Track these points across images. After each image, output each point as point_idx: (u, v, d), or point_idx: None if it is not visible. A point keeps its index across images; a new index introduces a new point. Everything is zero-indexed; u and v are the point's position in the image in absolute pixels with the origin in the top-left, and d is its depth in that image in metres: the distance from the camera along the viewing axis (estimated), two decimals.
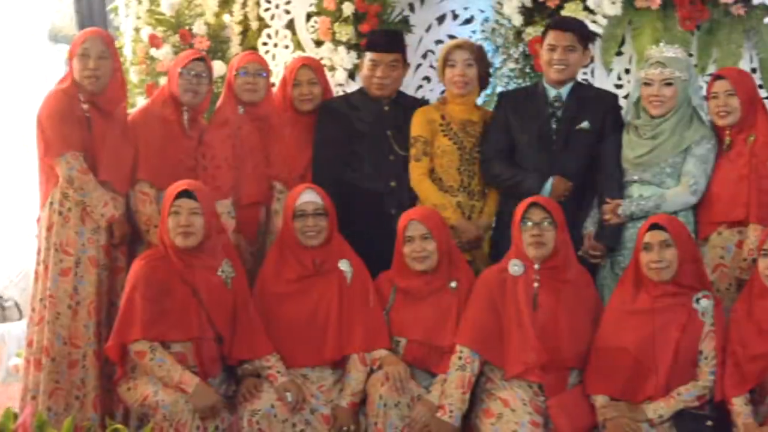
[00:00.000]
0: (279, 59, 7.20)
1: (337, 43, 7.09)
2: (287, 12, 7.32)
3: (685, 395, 5.08)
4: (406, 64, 6.08)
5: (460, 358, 5.25)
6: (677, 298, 5.16)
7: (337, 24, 7.09)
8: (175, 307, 5.24)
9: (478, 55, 5.96)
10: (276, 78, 6.61)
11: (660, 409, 5.07)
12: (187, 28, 7.32)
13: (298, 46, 7.25)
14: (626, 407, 5.11)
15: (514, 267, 5.32)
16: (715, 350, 5.11)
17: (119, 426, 4.92)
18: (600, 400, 5.16)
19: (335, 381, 5.42)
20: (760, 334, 5.05)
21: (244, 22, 7.43)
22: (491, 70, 6.22)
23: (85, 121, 5.63)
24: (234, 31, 7.41)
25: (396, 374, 5.23)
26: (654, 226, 5.19)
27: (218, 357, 5.35)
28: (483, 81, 6.00)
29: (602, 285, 5.62)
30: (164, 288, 5.25)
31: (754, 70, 6.61)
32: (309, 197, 5.50)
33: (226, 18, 7.42)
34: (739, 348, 5.06)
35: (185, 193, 5.31)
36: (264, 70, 6.06)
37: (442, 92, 6.27)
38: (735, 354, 5.06)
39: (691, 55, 6.55)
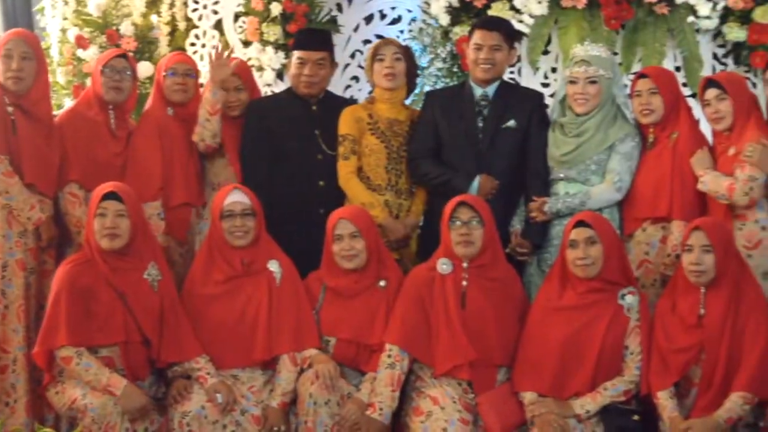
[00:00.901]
0: (207, 60, 7.15)
1: (265, 43, 7.09)
2: (215, 12, 7.31)
3: (612, 390, 5.14)
4: (333, 63, 6.08)
5: (389, 356, 5.26)
6: (603, 295, 5.22)
7: (264, 24, 7.09)
8: (100, 312, 5.20)
9: (407, 52, 5.98)
10: (205, 79, 6.58)
11: (587, 404, 5.12)
12: (114, 28, 7.27)
13: (227, 46, 7.21)
14: (554, 403, 5.15)
15: (443, 266, 5.35)
16: (641, 345, 5.17)
17: (48, 430, 4.87)
18: (528, 396, 5.20)
19: (266, 381, 5.40)
20: (684, 329, 5.11)
21: (172, 22, 7.39)
22: (419, 70, 6.23)
23: (9, 124, 5.56)
24: (162, 32, 7.37)
25: (326, 373, 5.24)
26: (579, 223, 5.24)
27: (146, 360, 5.32)
28: (411, 82, 6.01)
29: (529, 282, 5.67)
30: (89, 292, 5.21)
31: (677, 69, 6.71)
32: (236, 197, 5.48)
33: (153, 18, 7.38)
34: (664, 342, 5.12)
35: (111, 195, 5.27)
36: (192, 70, 6.04)
37: (370, 92, 6.28)
38: (660, 348, 5.13)
39: (615, 53, 6.64)
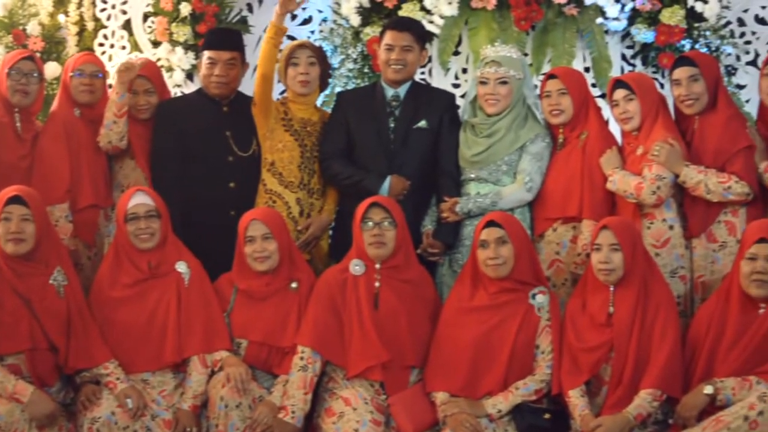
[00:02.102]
0: (116, 60, 7.09)
1: (174, 43, 7.04)
2: (124, 12, 7.24)
3: (523, 389, 5.16)
4: (244, 64, 6.04)
5: (302, 358, 5.24)
6: (514, 294, 5.25)
7: (174, 24, 7.04)
8: (5, 319, 5.11)
9: (320, 55, 5.96)
10: (113, 80, 6.51)
11: (499, 403, 5.14)
12: (20, 28, 7.17)
13: (135, 46, 7.16)
14: (466, 403, 5.16)
15: (355, 267, 5.34)
16: (552, 344, 5.20)
17: None
18: (440, 396, 5.21)
19: (176, 385, 5.36)
20: (594, 327, 5.16)
21: (80, 22, 7.30)
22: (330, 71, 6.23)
23: None
24: (70, 32, 7.28)
25: (237, 375, 5.20)
26: (490, 223, 5.26)
27: (54, 367, 5.24)
28: (323, 82, 6.00)
29: (441, 283, 5.68)
30: None
31: (587, 69, 6.77)
32: (140, 200, 5.42)
33: (61, 18, 7.28)
34: (575, 341, 5.16)
35: (16, 199, 5.18)
36: (100, 71, 5.96)
37: (282, 92, 6.26)
38: (570, 347, 5.16)
39: (526, 54, 6.68)
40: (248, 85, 6.50)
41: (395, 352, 5.25)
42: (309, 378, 5.22)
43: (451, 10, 6.76)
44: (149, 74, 5.98)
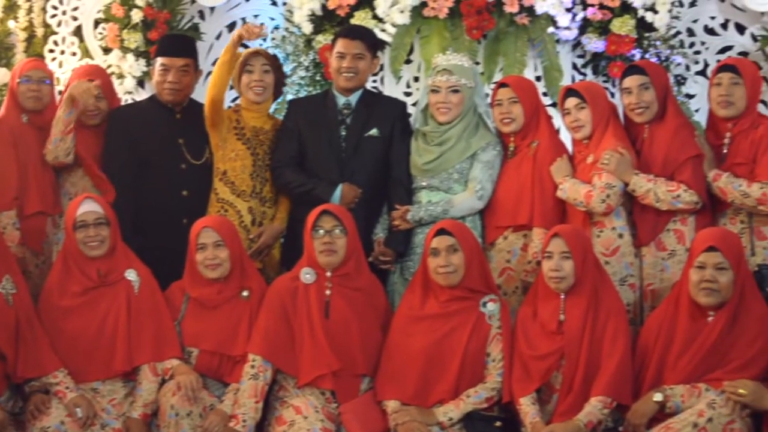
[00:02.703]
0: (66, 67, 7.05)
1: (125, 50, 7.00)
2: (74, 18, 7.20)
3: (474, 397, 5.17)
4: (198, 71, 6.02)
5: (252, 366, 5.22)
6: (464, 303, 5.25)
7: (125, 31, 7.01)
8: None
9: (275, 62, 5.95)
10: (62, 86, 6.48)
11: (450, 411, 5.14)
12: None
13: (86, 53, 7.12)
14: (417, 411, 5.16)
15: (306, 275, 5.33)
16: (503, 352, 5.21)
17: None
18: (391, 405, 5.21)
19: (126, 394, 5.33)
20: (545, 335, 5.17)
21: (30, 28, 7.25)
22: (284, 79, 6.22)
23: None
24: (19, 38, 7.22)
25: (187, 384, 5.17)
26: (441, 231, 5.27)
27: (2, 376, 5.18)
28: (278, 90, 5.99)
29: (392, 291, 5.68)
30: None
31: (538, 78, 6.80)
32: (88, 207, 5.38)
33: (10, 24, 7.22)
34: (525, 349, 5.17)
35: None
36: (47, 77, 5.92)
37: (234, 100, 6.24)
38: (521, 355, 5.18)
39: (477, 63, 6.70)
40: (201, 92, 6.49)
41: (346, 360, 5.24)
42: (260, 386, 5.21)
43: (403, 19, 6.77)
44: (99, 79, 5.95)
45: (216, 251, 5.36)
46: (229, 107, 6.05)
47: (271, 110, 6.13)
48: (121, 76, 6.97)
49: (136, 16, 6.98)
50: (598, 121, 5.54)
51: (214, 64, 7.04)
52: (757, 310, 5.04)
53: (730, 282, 4.99)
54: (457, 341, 5.19)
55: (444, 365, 5.20)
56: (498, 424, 5.17)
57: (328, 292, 5.32)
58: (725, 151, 5.50)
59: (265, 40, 6.63)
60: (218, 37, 7.23)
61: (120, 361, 5.30)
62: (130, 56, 6.98)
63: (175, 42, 6.14)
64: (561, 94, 5.71)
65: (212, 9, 7.23)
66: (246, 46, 6.60)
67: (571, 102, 5.58)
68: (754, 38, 6.96)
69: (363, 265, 5.44)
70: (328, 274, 5.33)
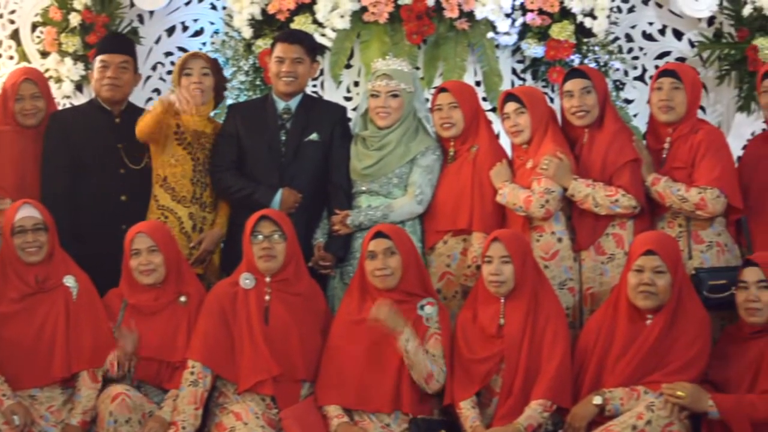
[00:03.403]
0: (3, 70, 6.97)
1: (63, 54, 6.94)
2: (12, 22, 7.12)
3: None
4: (137, 74, 5.99)
5: (192, 373, 5.19)
6: (402, 306, 5.23)
7: (63, 35, 6.95)
8: None
9: (215, 66, 5.93)
10: None
11: (393, 421, 5.15)
12: None
13: (24, 57, 7.04)
14: (356, 413, 5.18)
15: (245, 280, 5.31)
16: (443, 350, 5.21)
17: None
18: (331, 410, 5.20)
19: (65, 400, 5.28)
20: (485, 339, 5.19)
21: None
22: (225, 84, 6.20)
23: None
24: None
25: (126, 390, 5.14)
26: (378, 234, 5.27)
27: None
28: (219, 95, 5.97)
29: (333, 295, 5.67)
30: None
31: (478, 83, 6.82)
32: (27, 212, 5.33)
33: None
34: (465, 353, 5.18)
35: None
36: None
37: None
38: (461, 358, 5.18)
39: (417, 68, 6.71)
40: (139, 97, 6.45)
41: (286, 365, 5.22)
42: (199, 393, 5.18)
43: (343, 24, 6.77)
44: (36, 78, 5.91)
45: (150, 257, 5.32)
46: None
47: (211, 115, 6.11)
48: (59, 80, 6.91)
49: (74, 19, 6.92)
50: (537, 126, 5.56)
51: (153, 68, 7.08)
52: (695, 312, 5.08)
53: (668, 285, 5.03)
54: (395, 344, 5.18)
55: (384, 368, 5.19)
56: (441, 429, 5.17)
57: (267, 297, 5.30)
58: (665, 155, 5.54)
59: (196, 20, 6.60)
60: (157, 41, 7.17)
61: (58, 367, 5.25)
62: (68, 60, 6.92)
63: (115, 39, 6.17)
64: (501, 99, 5.73)
65: (151, 13, 7.18)
66: (184, 50, 6.59)
67: (511, 107, 5.60)
68: (692, 44, 7.03)
69: (302, 270, 5.43)
70: (268, 279, 5.31)
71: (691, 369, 5.01)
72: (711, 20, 6.99)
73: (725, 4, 6.87)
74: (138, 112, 5.92)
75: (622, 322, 5.12)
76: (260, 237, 5.28)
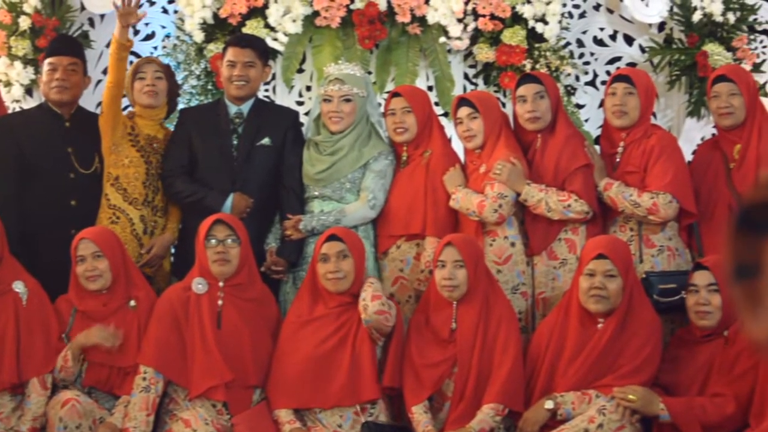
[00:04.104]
0: None
1: (13, 57, 6.87)
2: None
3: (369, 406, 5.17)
4: (86, 76, 5.94)
5: (144, 378, 5.16)
6: (352, 309, 5.24)
7: (13, 38, 6.89)
8: None
9: (168, 71, 5.91)
10: None
11: (345, 422, 5.14)
12: None
13: None
14: (308, 417, 5.17)
15: (198, 285, 5.29)
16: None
17: None
18: (283, 415, 5.18)
19: (14, 407, 5.23)
20: (437, 343, 5.20)
21: None
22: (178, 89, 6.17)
23: None
24: None
25: (77, 395, 5.09)
26: (331, 237, 5.26)
27: None
28: (172, 101, 5.94)
29: (285, 301, 5.64)
30: None
31: (430, 88, 6.83)
32: None
33: None
34: (417, 358, 5.18)
35: None
36: None
37: (125, 108, 6.15)
38: (413, 363, 5.19)
39: (369, 72, 6.71)
40: (90, 101, 6.40)
41: (238, 371, 5.20)
42: (151, 399, 5.15)
43: (295, 28, 6.75)
44: None
45: (95, 262, 5.28)
46: (124, 110, 5.99)
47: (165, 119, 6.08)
48: (8, 84, 6.84)
49: (24, 23, 6.86)
50: (491, 131, 5.57)
51: (104, 72, 7.00)
52: (646, 316, 5.11)
53: (619, 289, 5.06)
54: (345, 340, 5.19)
55: (335, 368, 5.18)
56: None
57: (220, 302, 5.28)
58: (618, 159, 5.57)
59: (147, 24, 6.58)
60: (108, 44, 7.10)
61: (8, 373, 5.20)
62: (18, 64, 6.85)
63: (63, 41, 6.09)
64: (454, 104, 5.74)
65: (102, 16, 7.12)
66: (136, 54, 6.55)
67: (464, 111, 5.61)
68: (642, 49, 7.07)
69: (255, 275, 5.41)
70: (221, 284, 5.29)
71: (642, 372, 5.04)
72: (661, 26, 7.04)
73: (675, 10, 6.92)
74: (88, 115, 5.90)
75: (573, 326, 5.14)
76: (214, 241, 5.26)
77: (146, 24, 7.14)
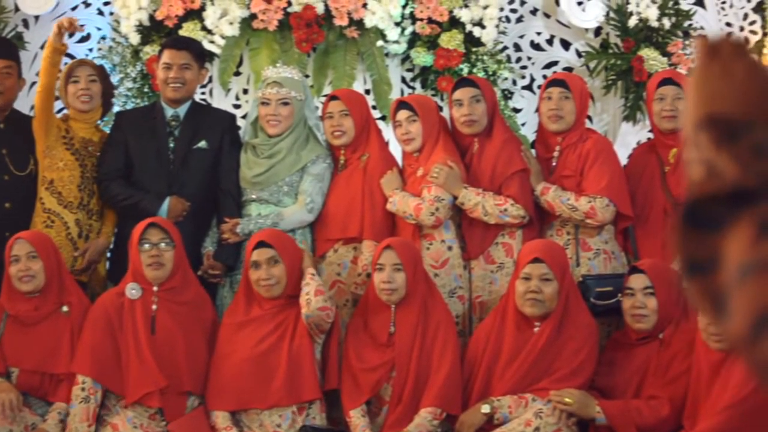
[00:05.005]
0: None
1: None
2: None
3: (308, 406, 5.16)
4: (21, 78, 5.88)
5: (83, 389, 5.10)
6: (288, 309, 5.22)
7: None
8: None
9: (102, 73, 5.85)
10: None
11: (284, 422, 5.12)
12: None
13: None
14: (247, 420, 5.14)
15: (132, 291, 5.23)
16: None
17: None
18: (220, 421, 5.15)
19: None
20: (375, 347, 5.19)
21: None
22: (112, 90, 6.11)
23: None
24: None
25: (7, 402, 5.02)
26: (260, 244, 5.23)
27: None
28: (106, 102, 5.89)
29: (222, 304, 5.60)
30: None
31: (367, 92, 6.82)
32: None
33: None
34: (355, 361, 5.17)
35: None
36: None
37: (60, 111, 6.09)
38: (351, 367, 5.17)
39: (307, 76, 6.68)
40: (24, 104, 6.33)
41: (173, 377, 5.15)
42: (92, 409, 5.09)
43: (232, 31, 6.72)
44: None
45: (29, 263, 5.22)
46: (59, 112, 5.93)
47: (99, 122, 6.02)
48: None
49: None
50: (429, 134, 5.57)
51: (38, 74, 6.91)
52: (582, 319, 5.14)
53: (555, 292, 5.08)
54: (283, 339, 5.16)
55: (273, 365, 5.15)
56: None
57: (154, 306, 5.23)
58: (554, 164, 5.59)
59: (83, 26, 6.53)
60: (43, 46, 7.03)
61: None
62: None
63: None
64: (393, 106, 5.73)
65: (36, 18, 7.05)
66: (70, 56, 6.48)
67: (403, 114, 5.60)
68: (579, 54, 7.12)
69: (190, 279, 5.37)
70: (155, 288, 5.25)
71: (579, 376, 5.06)
72: (598, 31, 7.10)
73: (612, 15, 6.97)
74: (22, 117, 5.83)
75: (510, 330, 5.15)
76: (147, 246, 5.21)
77: (81, 26, 7.06)
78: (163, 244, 5.22)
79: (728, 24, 7.07)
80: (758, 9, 7.07)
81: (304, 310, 5.11)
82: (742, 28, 7.05)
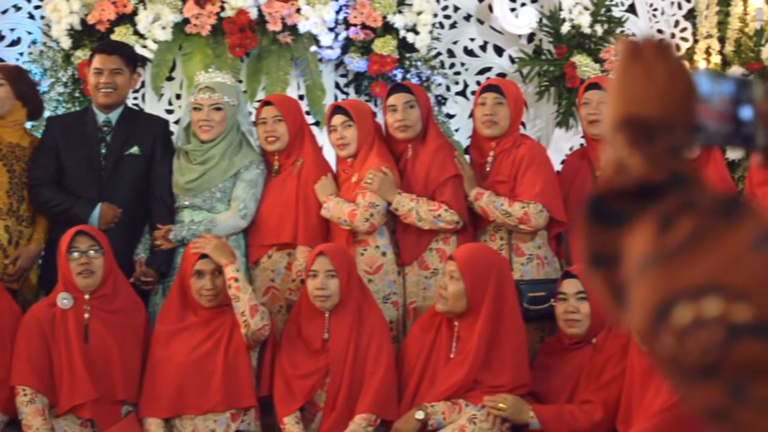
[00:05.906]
0: None
1: None
2: None
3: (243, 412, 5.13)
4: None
5: (26, 394, 5.05)
6: (223, 316, 5.20)
7: None
8: None
9: (11, 74, 5.74)
10: None
11: (218, 427, 5.08)
12: None
13: None
14: (180, 426, 5.12)
15: (63, 300, 5.17)
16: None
17: None
18: (153, 424, 5.11)
19: None
20: (309, 354, 5.17)
21: None
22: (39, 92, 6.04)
23: None
24: None
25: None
26: (205, 256, 5.20)
27: None
28: (32, 104, 5.79)
29: (155, 311, 5.55)
30: None
31: (301, 97, 6.80)
32: None
33: None
34: (289, 368, 5.15)
35: None
36: None
37: None
38: (285, 373, 5.15)
39: (240, 81, 6.65)
40: None
41: (106, 385, 5.11)
42: (40, 407, 5.04)
43: (165, 35, 6.67)
44: None
45: None
46: None
47: (29, 126, 5.95)
48: None
49: None
50: (364, 139, 5.57)
51: None
52: (515, 324, 5.15)
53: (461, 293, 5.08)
54: (218, 346, 5.14)
55: (208, 371, 5.13)
56: None
57: (86, 315, 5.18)
58: (488, 169, 5.61)
59: (13, 30, 6.47)
60: None
61: None
62: None
63: None
64: (328, 111, 5.73)
65: None
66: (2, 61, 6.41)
67: (338, 119, 5.59)
68: (512, 60, 7.15)
69: (121, 285, 5.31)
70: (87, 296, 5.19)
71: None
72: (531, 37, 7.14)
73: (545, 21, 7.01)
74: None
75: (442, 336, 5.16)
76: (76, 254, 5.15)
77: (12, 29, 6.99)
78: (92, 252, 5.16)
79: (660, 31, 7.13)
80: (689, 16, 7.15)
81: (244, 330, 5.09)
82: (673, 35, 7.13)
